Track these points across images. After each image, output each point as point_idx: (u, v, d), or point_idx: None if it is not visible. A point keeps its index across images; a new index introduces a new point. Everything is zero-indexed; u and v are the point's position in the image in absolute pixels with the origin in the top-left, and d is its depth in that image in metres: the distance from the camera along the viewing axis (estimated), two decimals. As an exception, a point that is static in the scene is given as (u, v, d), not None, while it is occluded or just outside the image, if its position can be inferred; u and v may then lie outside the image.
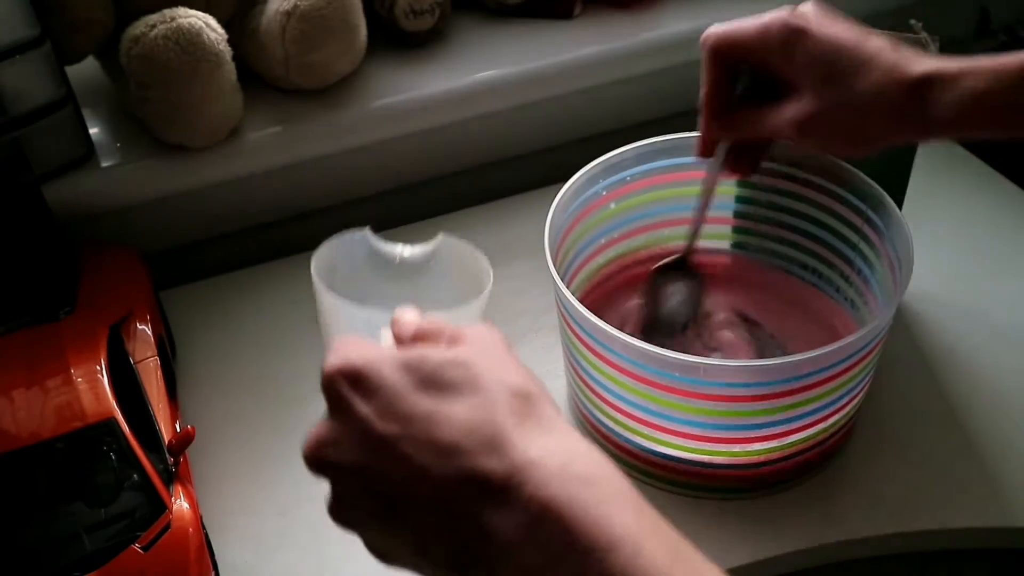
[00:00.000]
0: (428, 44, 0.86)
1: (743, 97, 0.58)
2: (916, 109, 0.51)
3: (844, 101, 0.53)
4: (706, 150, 0.61)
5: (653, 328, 0.68)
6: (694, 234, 0.65)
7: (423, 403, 0.37)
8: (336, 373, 0.38)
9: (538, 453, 0.36)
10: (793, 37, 0.53)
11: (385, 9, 0.83)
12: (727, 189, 0.70)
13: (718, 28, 0.57)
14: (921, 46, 0.64)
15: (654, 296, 0.68)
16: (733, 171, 0.63)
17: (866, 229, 0.64)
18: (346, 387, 0.38)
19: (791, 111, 0.54)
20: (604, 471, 0.37)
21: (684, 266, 0.67)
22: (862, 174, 0.63)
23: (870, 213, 0.63)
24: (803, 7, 0.55)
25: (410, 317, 0.43)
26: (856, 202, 0.64)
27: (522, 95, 0.85)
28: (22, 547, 0.54)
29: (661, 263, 0.67)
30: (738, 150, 0.61)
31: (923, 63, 0.51)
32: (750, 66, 0.57)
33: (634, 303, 0.71)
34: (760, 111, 0.57)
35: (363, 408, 0.37)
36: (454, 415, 0.36)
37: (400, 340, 0.42)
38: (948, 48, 0.66)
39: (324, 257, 0.51)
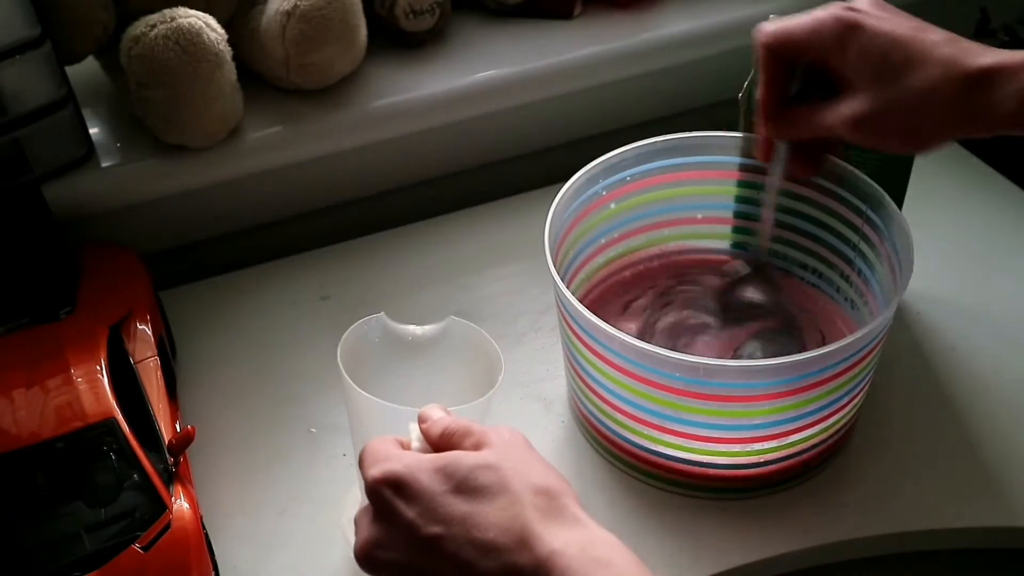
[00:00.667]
0: (428, 44, 0.86)
1: (799, 95, 0.57)
2: (976, 104, 0.49)
3: (900, 97, 0.51)
4: (767, 152, 0.61)
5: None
6: (767, 235, 0.65)
7: (460, 506, 0.43)
8: (380, 482, 0.44)
9: (561, 544, 0.41)
10: (847, 32, 0.52)
11: (385, 9, 0.83)
12: (727, 189, 0.70)
13: (770, 26, 0.56)
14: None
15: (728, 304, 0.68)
16: (796, 172, 0.62)
17: (866, 229, 0.64)
18: (390, 493, 0.44)
19: (847, 108, 0.53)
20: (617, 553, 0.42)
21: (759, 276, 0.67)
22: (862, 174, 0.63)
23: (870, 213, 0.63)
24: (858, 2, 0.54)
25: (437, 415, 0.49)
26: (856, 202, 0.64)
27: (522, 95, 0.85)
28: (22, 547, 0.54)
29: (734, 279, 0.67)
30: (799, 149, 0.60)
31: (984, 56, 0.49)
32: (805, 63, 0.56)
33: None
34: (816, 109, 0.56)
35: (408, 512, 0.43)
36: (488, 516, 0.42)
37: (429, 438, 0.48)
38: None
39: (348, 343, 0.56)
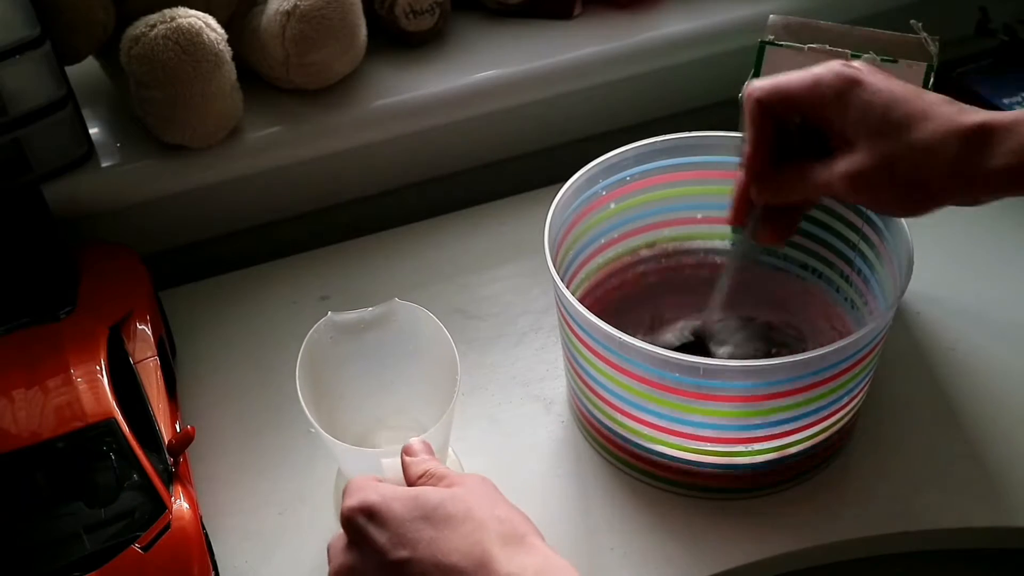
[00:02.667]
0: (428, 44, 0.86)
1: (785, 158, 0.55)
2: (972, 160, 0.49)
3: (900, 153, 0.50)
4: (741, 216, 0.58)
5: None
6: (721, 306, 0.63)
7: (427, 531, 0.46)
8: (356, 510, 0.47)
9: (517, 567, 0.44)
10: (848, 87, 0.51)
11: (385, 9, 0.83)
12: (727, 189, 0.70)
13: (763, 82, 0.54)
14: (921, 46, 0.64)
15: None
16: (768, 238, 0.59)
17: (866, 229, 0.64)
18: (363, 520, 0.47)
19: (843, 165, 0.52)
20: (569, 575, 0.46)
21: (699, 346, 0.66)
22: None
23: (870, 213, 0.63)
24: (855, 62, 0.53)
25: (422, 456, 0.53)
26: (856, 202, 0.64)
27: (522, 95, 0.85)
28: (22, 547, 0.54)
29: (676, 343, 0.67)
30: (773, 214, 0.58)
31: (977, 113, 0.49)
32: (802, 122, 0.54)
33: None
34: (808, 168, 0.54)
35: (380, 538, 0.46)
36: (452, 540, 0.45)
37: (409, 474, 0.52)
38: (948, 48, 0.66)
39: (304, 365, 0.59)
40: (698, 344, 0.66)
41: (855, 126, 0.52)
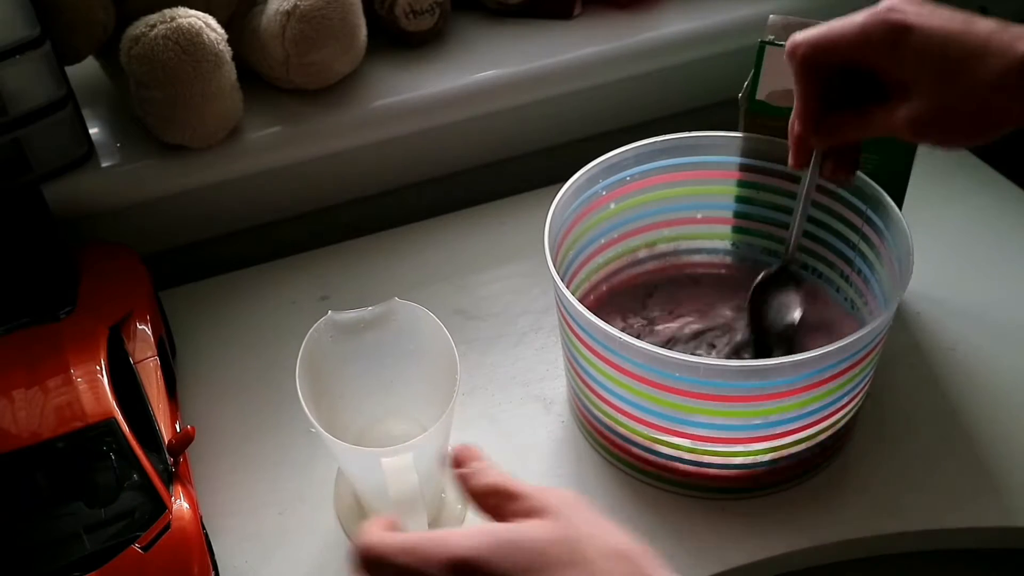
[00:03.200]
0: (428, 44, 0.86)
1: (835, 102, 0.55)
2: None
3: (964, 93, 0.49)
4: (802, 159, 0.59)
5: (761, 341, 0.67)
6: (794, 242, 0.63)
7: None
8: (450, 569, 0.40)
9: None
10: (897, 34, 0.50)
11: (385, 9, 0.83)
12: (727, 189, 0.70)
13: (808, 34, 0.53)
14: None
15: (756, 312, 0.66)
16: (834, 176, 0.60)
17: (866, 229, 0.64)
18: None
19: (905, 111, 0.51)
20: None
21: (783, 277, 0.65)
22: (862, 174, 0.63)
23: (870, 213, 0.63)
24: (895, 3, 0.51)
25: (481, 464, 0.45)
26: (856, 202, 0.64)
27: (522, 95, 0.85)
28: (22, 547, 0.54)
29: (761, 278, 0.66)
30: (834, 153, 0.59)
31: None
32: (849, 70, 0.54)
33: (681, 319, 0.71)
34: (866, 115, 0.54)
35: None
36: None
37: (471, 487, 0.44)
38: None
39: (304, 362, 0.58)
40: (783, 275, 0.66)
41: (912, 72, 0.51)
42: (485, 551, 0.40)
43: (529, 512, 0.42)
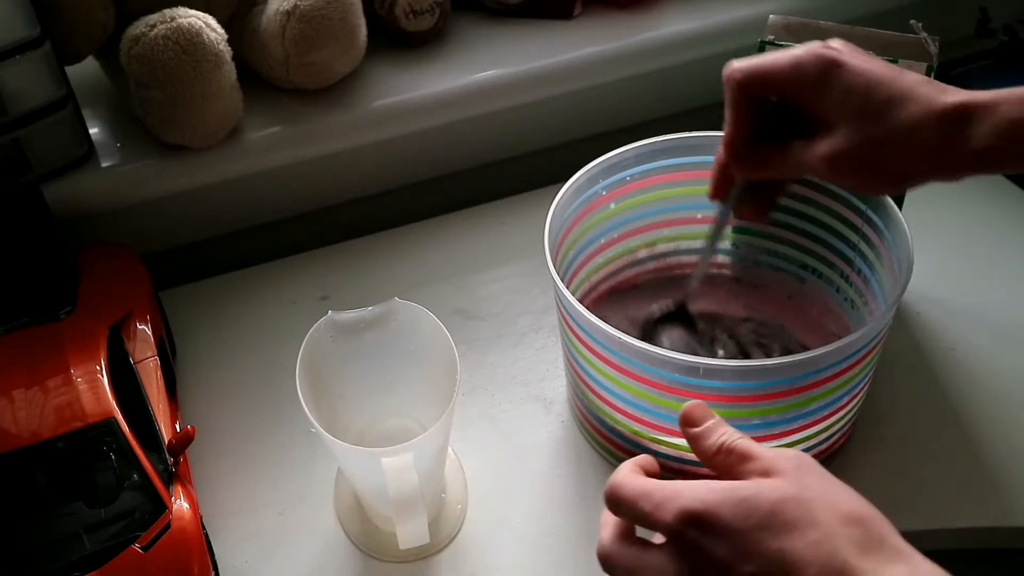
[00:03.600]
0: (428, 44, 0.86)
1: (764, 135, 0.56)
2: (953, 141, 0.49)
3: (881, 135, 0.50)
4: (721, 192, 0.59)
5: None
6: (699, 279, 0.63)
7: (770, 543, 0.39)
8: (683, 522, 0.41)
9: None
10: (828, 69, 0.51)
11: (385, 9, 0.83)
12: (727, 189, 0.70)
13: (744, 63, 0.54)
14: (921, 46, 0.64)
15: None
16: (749, 214, 0.61)
17: (866, 229, 0.64)
18: (696, 533, 0.41)
19: (824, 147, 0.52)
20: None
21: (682, 315, 0.65)
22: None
23: (870, 213, 0.63)
24: (833, 42, 0.53)
25: (710, 421, 0.46)
26: (856, 202, 0.64)
27: (522, 95, 0.85)
28: (22, 547, 0.54)
29: (658, 313, 0.65)
30: (754, 189, 0.59)
31: (957, 93, 0.49)
32: (779, 101, 0.55)
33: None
34: (788, 148, 0.54)
35: (718, 551, 0.40)
36: (803, 552, 0.39)
37: (700, 447, 0.45)
38: (948, 48, 0.66)
39: (304, 362, 0.58)
40: (680, 314, 0.65)
41: (836, 108, 0.52)
42: (716, 505, 0.41)
43: (762, 472, 0.42)
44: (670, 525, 0.41)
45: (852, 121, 0.51)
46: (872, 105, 0.50)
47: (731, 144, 0.56)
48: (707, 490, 0.41)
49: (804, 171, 0.54)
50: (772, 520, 0.40)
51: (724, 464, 0.44)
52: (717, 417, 0.46)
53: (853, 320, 0.67)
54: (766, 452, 0.43)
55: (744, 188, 0.59)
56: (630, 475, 0.44)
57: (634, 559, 0.43)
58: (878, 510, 0.42)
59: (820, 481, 0.42)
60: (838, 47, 0.52)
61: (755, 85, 0.54)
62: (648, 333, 0.65)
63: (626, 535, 0.45)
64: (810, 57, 0.52)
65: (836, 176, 0.53)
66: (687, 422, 0.46)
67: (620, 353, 0.57)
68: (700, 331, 0.66)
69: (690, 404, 0.47)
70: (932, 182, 0.51)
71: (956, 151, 0.49)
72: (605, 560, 0.45)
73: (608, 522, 0.45)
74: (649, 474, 0.45)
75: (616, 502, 0.44)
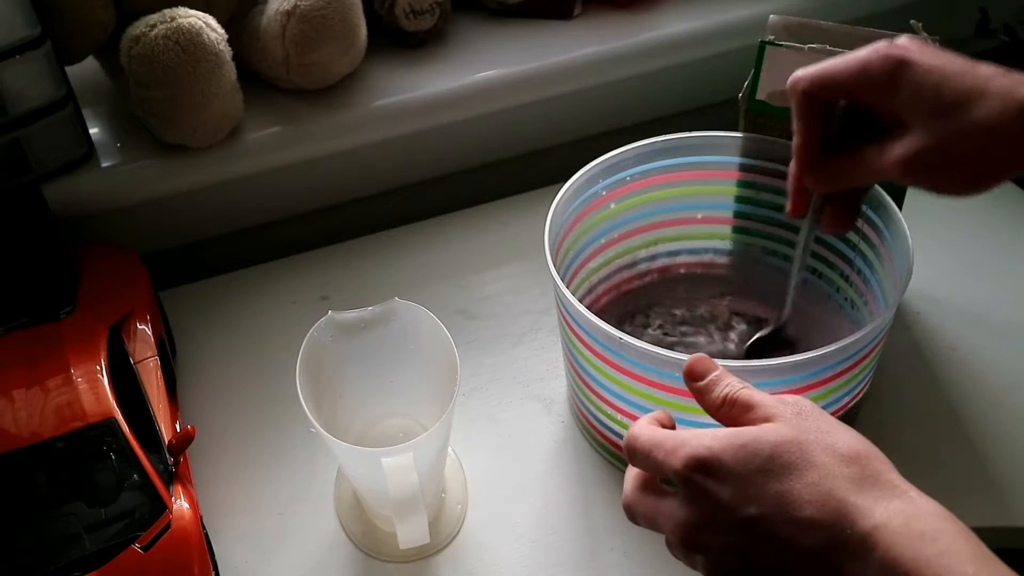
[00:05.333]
0: (428, 44, 0.86)
1: (835, 142, 0.54)
2: None
3: (959, 133, 0.48)
4: (800, 207, 0.57)
5: None
6: (791, 302, 0.62)
7: (771, 485, 0.41)
8: (690, 467, 0.43)
9: (882, 517, 0.40)
10: (897, 69, 0.49)
11: (385, 9, 0.83)
12: (727, 189, 0.70)
13: (808, 70, 0.52)
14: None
15: None
16: (832, 228, 0.59)
17: (866, 229, 0.64)
18: (700, 477, 0.43)
19: (899, 149, 0.50)
20: (944, 525, 0.41)
21: (777, 342, 0.64)
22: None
23: (870, 213, 0.63)
24: (899, 40, 0.51)
25: (714, 373, 0.47)
26: (856, 202, 0.64)
27: (522, 95, 0.85)
28: (22, 547, 0.54)
29: (755, 338, 0.65)
30: (834, 198, 0.57)
31: None
32: (848, 106, 0.53)
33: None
34: (860, 156, 0.53)
35: (723, 494, 0.42)
36: (801, 493, 0.41)
37: (705, 399, 0.47)
38: (948, 48, 0.66)
39: (304, 362, 0.59)
40: (777, 338, 0.65)
41: (908, 108, 0.50)
42: (719, 451, 0.42)
43: (763, 419, 0.44)
44: (679, 471, 0.43)
45: (926, 120, 0.49)
46: (945, 103, 0.49)
47: (803, 155, 0.54)
48: (712, 437, 0.43)
49: (880, 177, 0.53)
50: (772, 463, 0.42)
51: (729, 415, 0.46)
52: (720, 368, 0.48)
53: (853, 320, 0.67)
54: (767, 399, 0.45)
55: (824, 198, 0.57)
56: (646, 427, 0.46)
57: (651, 506, 0.46)
58: (876, 448, 0.44)
59: (818, 424, 0.44)
60: (906, 44, 0.50)
61: (822, 91, 0.52)
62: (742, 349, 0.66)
63: (646, 485, 0.47)
64: (877, 57, 0.50)
65: (912, 178, 0.51)
66: (691, 376, 0.48)
67: (620, 353, 0.57)
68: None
69: (693, 358, 0.48)
70: (1012, 177, 0.50)
71: None
72: (628, 509, 0.47)
73: (630, 475, 0.47)
74: (665, 427, 0.47)
75: (632, 451, 0.46)
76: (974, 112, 0.48)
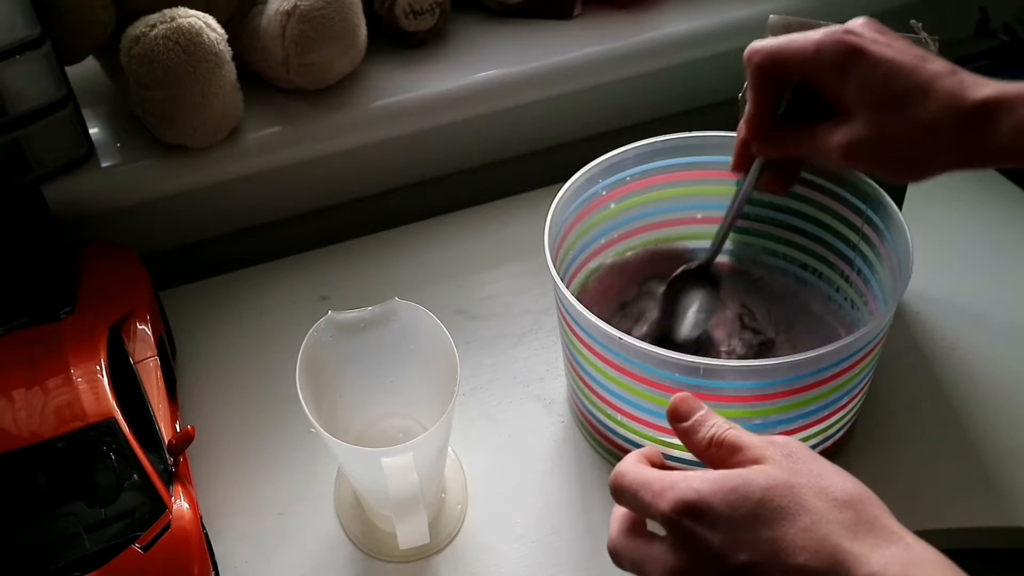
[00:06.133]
0: (428, 44, 0.86)
1: (784, 115, 0.56)
2: (975, 137, 0.48)
3: (899, 127, 0.50)
4: (742, 166, 0.60)
5: (666, 336, 0.67)
6: (719, 243, 0.64)
7: (762, 531, 0.40)
8: (679, 512, 0.42)
9: (878, 564, 0.38)
10: (848, 56, 0.51)
11: (385, 9, 0.83)
12: (727, 189, 0.70)
13: (765, 43, 0.54)
14: (921, 46, 0.64)
15: (670, 303, 0.67)
16: (769, 187, 0.61)
17: (866, 229, 0.64)
18: (689, 522, 0.41)
19: (841, 134, 0.52)
20: (941, 572, 0.40)
21: (703, 274, 0.65)
22: (862, 174, 0.63)
23: (870, 213, 0.63)
24: (856, 24, 0.52)
25: (700, 413, 0.46)
26: (856, 202, 0.64)
27: (522, 95, 0.85)
28: (22, 547, 0.54)
29: (680, 269, 0.66)
30: (775, 165, 0.60)
31: (983, 88, 0.48)
32: (798, 84, 0.55)
33: (642, 302, 0.71)
34: (807, 131, 0.54)
35: (713, 540, 0.41)
36: (794, 539, 0.39)
37: (691, 440, 0.46)
38: (948, 48, 0.66)
39: (304, 362, 0.59)
40: (701, 274, 0.66)
41: (855, 96, 0.51)
42: (708, 495, 0.41)
43: (752, 461, 0.43)
44: (666, 515, 0.42)
45: (870, 111, 0.50)
46: (890, 97, 0.50)
47: (752, 123, 0.57)
48: (701, 480, 0.42)
49: (822, 156, 0.54)
50: (762, 508, 0.40)
51: (716, 456, 0.44)
52: (705, 408, 0.46)
53: (853, 320, 0.67)
54: (755, 440, 0.44)
55: (766, 161, 0.59)
56: (634, 465, 0.45)
57: (638, 551, 0.44)
58: (871, 491, 0.42)
59: (809, 466, 0.42)
60: (860, 31, 0.51)
61: (775, 67, 0.54)
62: (671, 292, 0.66)
63: (633, 528, 0.45)
64: (831, 42, 0.51)
65: (851, 162, 0.53)
66: (675, 417, 0.46)
67: (620, 353, 0.57)
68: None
69: (676, 398, 0.47)
70: (953, 172, 0.51)
71: (977, 147, 0.48)
72: (613, 553, 0.46)
73: (617, 516, 0.46)
74: (654, 465, 0.46)
75: (619, 491, 0.45)
76: (916, 110, 0.49)
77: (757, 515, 0.40)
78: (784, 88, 0.56)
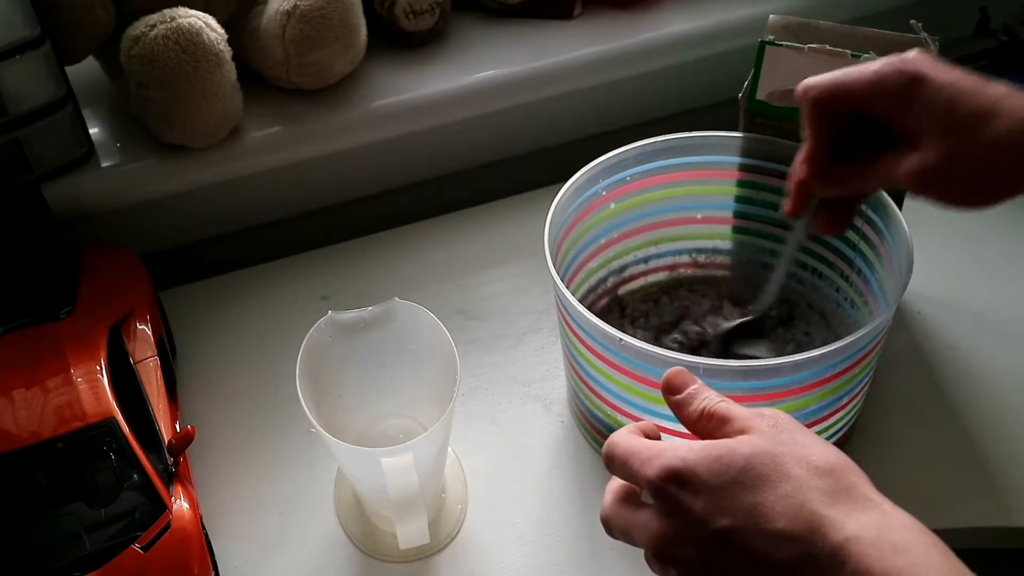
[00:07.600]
0: (428, 44, 0.86)
1: (841, 149, 0.54)
2: None
3: (969, 149, 0.49)
4: (800, 208, 0.57)
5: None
6: (771, 295, 0.63)
7: (743, 497, 0.41)
8: (664, 479, 0.43)
9: (854, 529, 0.40)
10: (911, 84, 0.50)
11: (385, 9, 0.83)
12: (727, 189, 0.70)
13: (820, 78, 0.53)
14: (921, 46, 0.64)
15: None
16: (825, 229, 0.59)
17: (866, 229, 0.64)
18: (674, 488, 0.43)
19: (911, 162, 0.51)
20: (916, 537, 0.41)
21: (754, 330, 0.65)
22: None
23: (870, 213, 0.63)
24: (911, 54, 0.51)
25: (692, 387, 0.47)
26: (856, 202, 0.64)
27: (522, 95, 0.85)
28: (22, 547, 0.54)
29: (731, 326, 0.65)
30: (829, 205, 0.57)
31: None
32: (859, 117, 0.53)
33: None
34: (872, 164, 0.53)
35: (695, 505, 0.42)
36: (774, 505, 0.41)
37: (684, 414, 0.47)
38: (948, 48, 0.66)
39: (304, 362, 0.59)
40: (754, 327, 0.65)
41: (920, 123, 0.50)
42: (693, 462, 0.42)
43: (739, 432, 0.44)
44: (652, 481, 0.43)
45: (938, 136, 0.50)
46: (958, 120, 0.49)
47: (812, 162, 0.55)
48: (687, 449, 0.43)
49: (890, 186, 0.53)
50: (745, 475, 0.42)
51: (706, 428, 0.46)
52: (698, 382, 0.47)
53: (853, 320, 0.67)
54: (744, 412, 0.45)
55: (821, 201, 0.57)
56: (625, 435, 0.46)
57: (626, 519, 0.45)
58: (852, 461, 0.43)
59: (793, 436, 0.44)
60: (919, 59, 0.51)
61: (833, 101, 0.53)
62: (725, 347, 0.66)
63: (623, 498, 0.46)
64: (892, 72, 0.51)
65: (923, 189, 0.52)
66: (669, 389, 0.47)
67: (620, 353, 0.57)
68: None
69: (671, 371, 0.48)
70: (1021, 194, 0.51)
71: None
72: (604, 522, 0.46)
73: (611, 488, 0.47)
74: (649, 437, 0.47)
75: (610, 459, 0.46)
76: (985, 131, 0.49)
77: (739, 482, 0.42)
78: (840, 122, 0.54)
